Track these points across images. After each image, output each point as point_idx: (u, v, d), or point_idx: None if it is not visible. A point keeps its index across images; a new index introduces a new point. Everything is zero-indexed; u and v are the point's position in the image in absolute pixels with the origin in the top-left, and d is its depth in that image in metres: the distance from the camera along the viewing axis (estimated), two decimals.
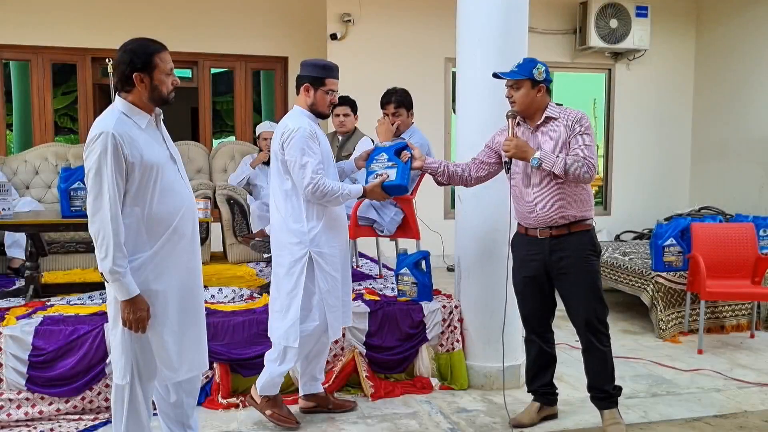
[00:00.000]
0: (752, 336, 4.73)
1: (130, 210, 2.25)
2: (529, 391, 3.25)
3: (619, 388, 3.06)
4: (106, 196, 2.17)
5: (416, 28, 7.04)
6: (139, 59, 2.26)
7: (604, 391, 3.01)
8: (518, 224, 3.10)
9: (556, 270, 2.97)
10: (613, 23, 7.23)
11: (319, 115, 3.08)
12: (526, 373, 3.25)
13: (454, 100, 6.58)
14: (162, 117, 2.45)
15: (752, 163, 7.12)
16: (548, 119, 2.97)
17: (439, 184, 3.24)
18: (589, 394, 3.08)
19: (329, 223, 3.01)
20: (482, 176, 3.18)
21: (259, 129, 5.58)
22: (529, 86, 2.94)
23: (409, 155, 3.13)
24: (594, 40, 7.21)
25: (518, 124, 3.01)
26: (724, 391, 3.61)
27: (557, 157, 2.81)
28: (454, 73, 6.75)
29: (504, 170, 3.00)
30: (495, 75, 3.00)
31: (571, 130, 2.90)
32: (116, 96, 2.36)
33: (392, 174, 3.11)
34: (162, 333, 2.33)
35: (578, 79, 7.89)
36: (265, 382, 3.07)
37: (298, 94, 3.07)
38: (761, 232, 5.00)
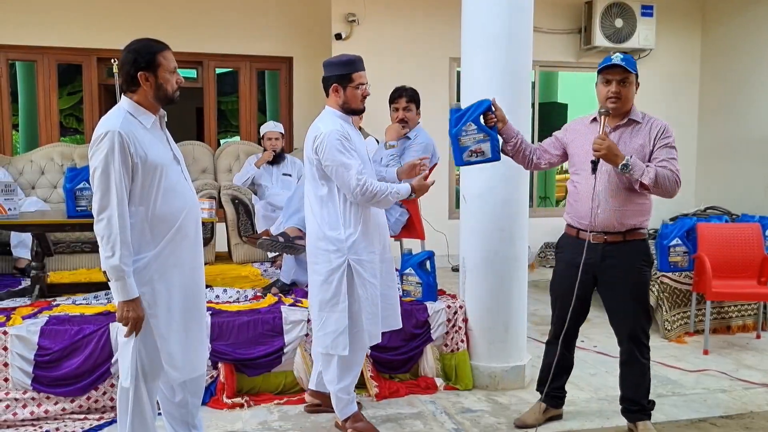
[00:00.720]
0: (758, 337, 4.71)
1: (134, 210, 2.26)
2: (538, 390, 3.19)
3: (653, 402, 2.98)
4: (113, 194, 2.18)
5: (421, 28, 7.04)
6: (142, 58, 2.29)
7: (639, 404, 2.94)
8: (568, 225, 2.98)
9: (605, 278, 2.85)
10: (619, 23, 7.22)
11: (353, 112, 2.99)
12: (540, 374, 3.16)
13: (458, 100, 6.58)
14: (165, 119, 2.46)
15: (758, 162, 7.09)
16: (631, 122, 2.84)
17: (503, 151, 3.00)
18: (620, 406, 3.00)
19: (367, 229, 2.92)
20: (541, 164, 3.04)
21: (263, 129, 5.60)
22: (634, 82, 2.82)
23: (495, 119, 2.86)
24: (599, 39, 7.20)
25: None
26: (729, 392, 3.60)
27: (647, 166, 2.71)
28: (458, 73, 6.74)
29: (591, 169, 2.75)
30: (615, 65, 2.77)
31: (656, 139, 2.80)
32: (122, 96, 2.37)
33: (486, 149, 2.83)
34: (166, 333, 2.33)
35: (583, 79, 7.87)
36: (337, 407, 3.02)
37: (327, 96, 2.99)
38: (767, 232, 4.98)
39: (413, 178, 3.03)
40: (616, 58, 2.76)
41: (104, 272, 2.24)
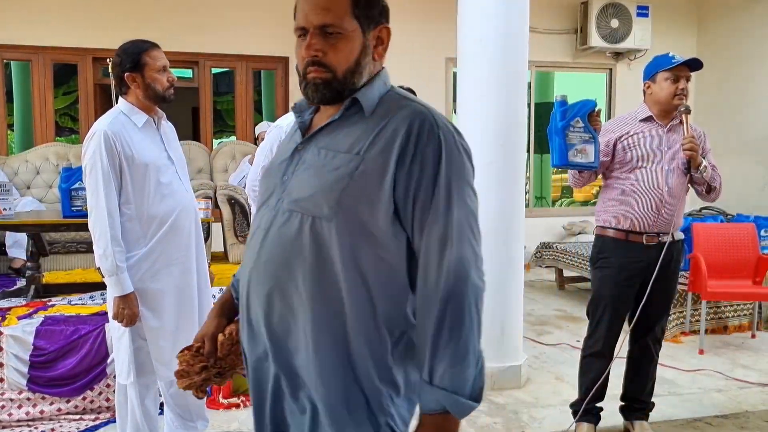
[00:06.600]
0: (753, 336, 4.73)
1: (125, 207, 2.30)
2: (580, 411, 2.88)
3: (653, 404, 2.98)
4: (101, 192, 2.23)
5: (417, 28, 7.04)
6: (128, 59, 2.32)
7: (642, 402, 2.94)
8: (612, 229, 2.81)
9: (653, 279, 2.69)
10: (614, 23, 7.23)
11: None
12: (586, 390, 2.87)
13: (455, 101, 6.58)
14: (163, 119, 2.47)
15: (753, 162, 7.12)
16: (679, 123, 2.77)
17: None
18: (620, 404, 2.98)
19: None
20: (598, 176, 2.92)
21: (257, 129, 5.62)
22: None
23: (599, 122, 2.66)
24: (595, 39, 7.21)
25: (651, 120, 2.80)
26: (725, 392, 3.61)
27: (713, 170, 2.72)
28: (455, 74, 6.75)
29: (685, 171, 2.69)
30: (686, 63, 2.71)
31: (704, 143, 2.80)
32: (119, 98, 2.41)
33: (590, 151, 2.62)
34: (156, 330, 2.37)
35: (579, 79, 7.89)
36: None
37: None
38: (762, 232, 5.00)
39: None
40: (679, 57, 2.71)
41: (98, 269, 2.28)
